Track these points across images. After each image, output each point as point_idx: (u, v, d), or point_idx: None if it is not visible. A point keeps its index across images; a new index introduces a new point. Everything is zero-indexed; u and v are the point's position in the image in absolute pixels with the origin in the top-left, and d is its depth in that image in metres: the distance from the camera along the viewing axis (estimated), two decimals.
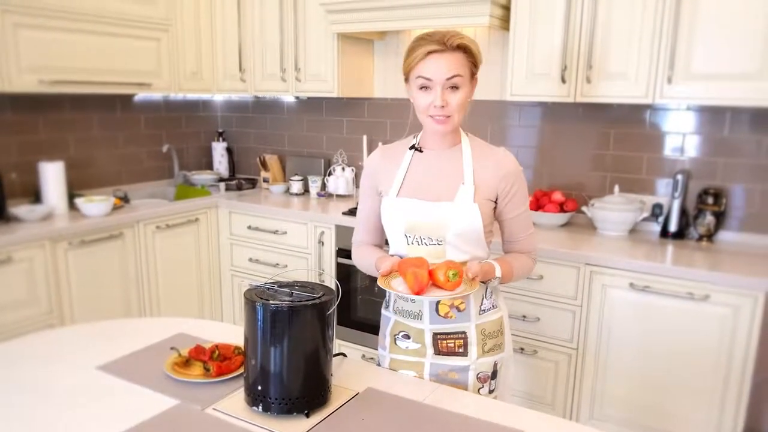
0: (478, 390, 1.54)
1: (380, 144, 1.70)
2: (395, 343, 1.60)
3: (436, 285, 1.37)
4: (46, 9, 2.67)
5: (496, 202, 1.53)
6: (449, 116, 1.45)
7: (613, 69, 2.42)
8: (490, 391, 1.56)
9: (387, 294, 1.63)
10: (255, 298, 1.22)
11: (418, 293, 1.34)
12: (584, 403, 2.46)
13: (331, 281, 3.02)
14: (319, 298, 1.24)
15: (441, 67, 1.41)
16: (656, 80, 2.35)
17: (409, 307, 1.55)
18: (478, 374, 1.53)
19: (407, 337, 1.57)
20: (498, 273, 1.48)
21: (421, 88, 1.45)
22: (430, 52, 1.41)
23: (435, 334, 1.53)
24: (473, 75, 1.48)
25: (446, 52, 1.41)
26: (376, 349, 1.71)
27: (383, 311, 1.66)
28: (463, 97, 1.44)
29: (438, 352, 1.54)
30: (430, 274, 1.37)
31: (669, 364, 2.26)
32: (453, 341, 1.53)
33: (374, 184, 1.61)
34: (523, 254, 1.61)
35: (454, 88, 1.43)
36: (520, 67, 2.62)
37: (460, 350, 1.53)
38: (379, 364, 1.66)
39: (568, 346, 2.45)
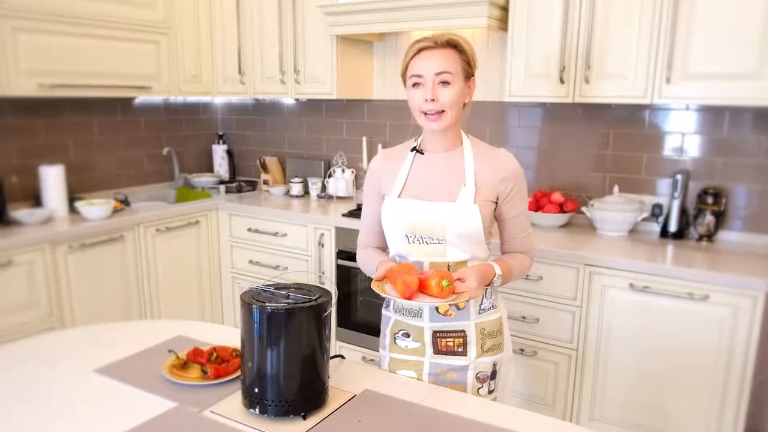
0: (477, 390, 1.54)
1: (380, 147, 1.71)
2: (395, 342, 1.61)
3: (429, 294, 1.39)
4: (44, 13, 2.68)
5: (496, 203, 1.53)
6: (441, 112, 1.46)
7: (612, 69, 2.42)
8: (490, 392, 1.56)
9: None
10: (251, 300, 1.22)
11: (408, 298, 1.37)
12: (584, 404, 2.45)
13: (330, 284, 3.02)
14: (315, 300, 1.24)
15: (430, 62, 1.45)
16: (655, 80, 2.35)
17: (408, 304, 1.55)
18: (477, 374, 1.54)
19: (407, 335, 1.58)
20: (498, 271, 1.50)
21: (414, 85, 1.48)
22: (421, 49, 1.46)
23: (434, 333, 1.54)
24: (468, 76, 1.49)
25: (436, 48, 1.45)
26: (377, 351, 1.71)
27: (384, 311, 1.67)
28: (454, 94, 1.45)
29: (437, 351, 1.55)
30: (422, 282, 1.39)
31: (669, 364, 2.25)
32: (452, 340, 1.53)
33: (377, 187, 1.62)
34: (521, 254, 1.62)
35: (445, 83, 1.45)
36: (519, 67, 2.62)
37: (459, 349, 1.53)
38: (380, 365, 1.67)
39: (568, 347, 2.45)
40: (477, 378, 1.54)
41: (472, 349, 1.53)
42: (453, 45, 1.46)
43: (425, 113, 1.47)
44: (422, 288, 1.39)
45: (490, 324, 1.56)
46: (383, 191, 1.59)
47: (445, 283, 1.36)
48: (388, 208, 1.54)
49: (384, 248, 1.68)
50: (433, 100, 1.44)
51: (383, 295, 1.41)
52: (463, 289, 1.40)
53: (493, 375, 1.57)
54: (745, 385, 2.13)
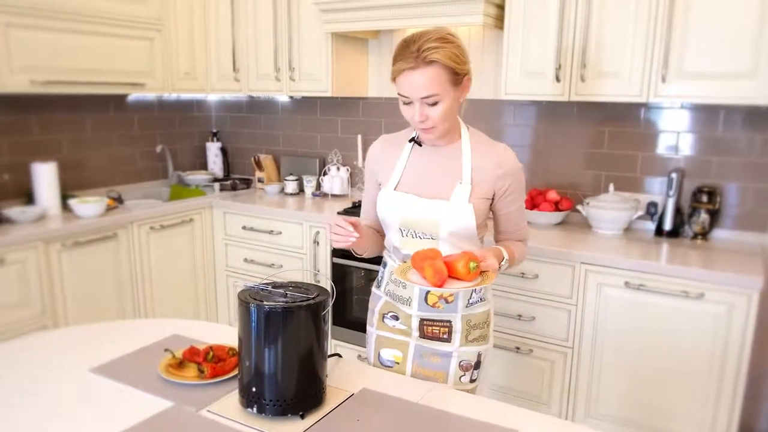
0: (460, 378, 1.57)
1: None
2: (383, 321, 1.64)
3: (454, 277, 1.36)
4: (37, 9, 2.65)
5: (492, 199, 1.53)
6: (433, 127, 1.45)
7: (608, 68, 2.42)
8: (471, 380, 1.59)
9: (380, 274, 1.67)
10: (249, 299, 1.22)
11: (440, 285, 1.33)
12: (580, 402, 2.46)
13: (326, 282, 3.02)
14: (313, 298, 1.23)
15: (415, 86, 1.39)
16: (650, 79, 2.35)
17: (399, 292, 1.58)
18: (460, 362, 1.57)
19: (395, 318, 1.61)
20: (506, 255, 1.51)
21: (403, 102, 1.45)
22: (403, 71, 1.38)
23: (422, 320, 1.57)
24: (459, 80, 1.43)
25: (419, 69, 1.37)
26: None
27: (374, 290, 1.70)
28: (444, 110, 1.42)
29: (423, 336, 1.58)
30: (448, 266, 1.35)
31: (664, 362, 2.26)
32: (438, 328, 1.56)
33: (374, 174, 1.64)
34: (518, 241, 1.65)
35: (433, 103, 1.41)
36: (515, 65, 2.62)
37: (445, 336, 1.56)
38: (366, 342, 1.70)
39: (564, 345, 2.45)
40: (460, 366, 1.56)
41: (456, 337, 1.56)
42: (434, 62, 1.36)
43: (417, 128, 1.47)
44: (449, 272, 1.36)
45: (477, 316, 1.58)
46: (379, 179, 1.61)
47: (472, 265, 1.34)
48: (384, 200, 1.56)
49: (378, 231, 1.69)
50: (422, 120, 1.43)
51: (408, 282, 1.37)
52: (487, 268, 1.38)
53: (477, 365, 1.60)
54: (740, 382, 2.14)
